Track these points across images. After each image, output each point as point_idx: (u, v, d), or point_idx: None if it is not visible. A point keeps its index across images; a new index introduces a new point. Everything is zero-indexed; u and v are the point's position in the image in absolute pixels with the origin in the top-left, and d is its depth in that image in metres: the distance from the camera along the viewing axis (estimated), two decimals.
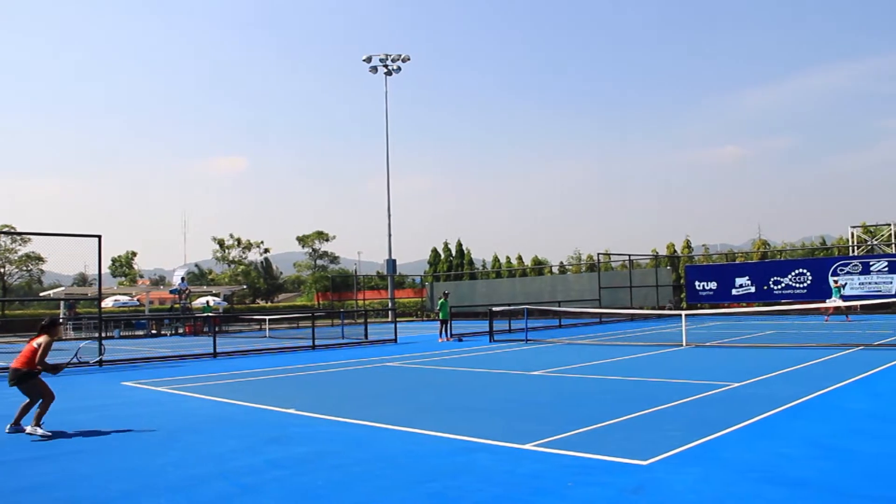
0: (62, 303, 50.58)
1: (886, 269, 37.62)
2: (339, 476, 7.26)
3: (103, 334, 24.93)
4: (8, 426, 10.38)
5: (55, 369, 10.98)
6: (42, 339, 10.46)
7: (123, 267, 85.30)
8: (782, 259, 46.06)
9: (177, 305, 49.26)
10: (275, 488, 6.87)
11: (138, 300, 55.22)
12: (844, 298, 34.16)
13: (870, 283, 37.82)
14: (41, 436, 9.88)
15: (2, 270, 69.15)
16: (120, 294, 55.53)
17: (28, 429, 10.07)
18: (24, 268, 70.19)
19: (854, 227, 44.50)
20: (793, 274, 40.93)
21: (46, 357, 10.42)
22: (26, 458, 8.66)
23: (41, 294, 57.32)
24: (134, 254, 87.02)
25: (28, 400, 10.38)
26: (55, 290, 54.26)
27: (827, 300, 33.68)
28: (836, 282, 34.99)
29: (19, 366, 10.24)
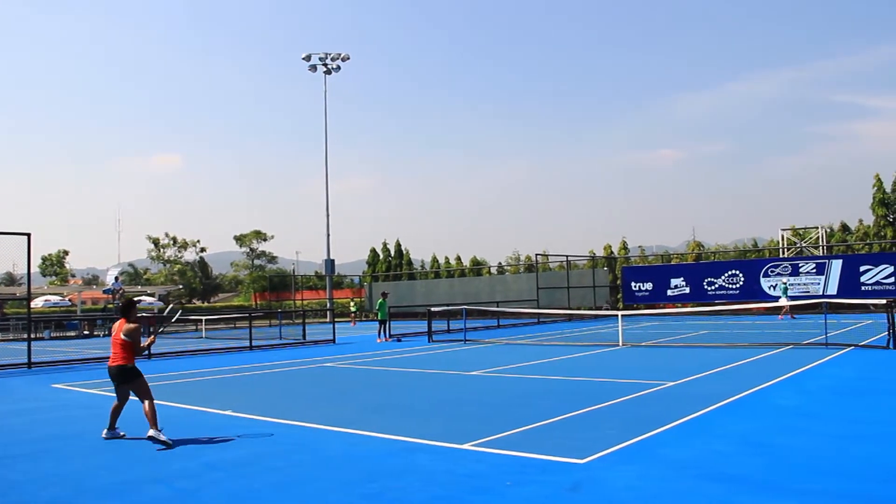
0: None
1: (814, 270, 38.67)
2: (277, 478, 7.19)
3: (33, 335, 24.28)
4: (105, 431, 9.55)
5: (144, 350, 10.33)
6: (130, 327, 9.56)
7: (54, 266, 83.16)
8: (716, 260, 47.00)
9: (110, 305, 48.24)
10: (212, 492, 6.77)
11: (70, 300, 53.93)
12: (777, 299, 35.10)
13: (799, 284, 38.81)
14: (164, 442, 8.91)
15: None
16: (51, 294, 54.19)
17: (152, 432, 9.06)
18: None
19: (784, 229, 45.61)
20: (726, 275, 41.81)
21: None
22: None
23: None
24: (66, 252, 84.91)
25: (121, 402, 9.61)
26: None
27: (780, 299, 34.60)
28: (784, 281, 36.14)
29: (123, 362, 9.46)
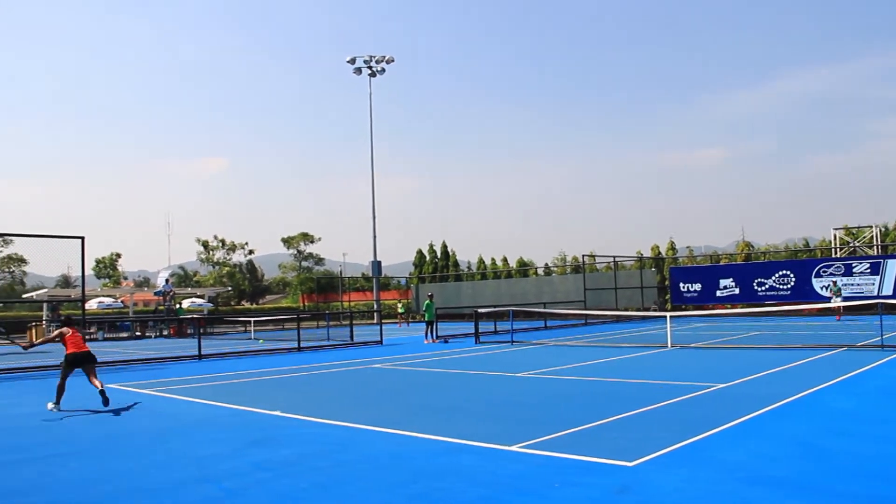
0: (45, 305, 50.19)
1: (869, 270, 37.87)
2: (322, 478, 7.22)
3: (87, 337, 24.75)
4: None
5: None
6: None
7: (107, 268, 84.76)
8: (766, 261, 46.28)
9: (161, 307, 48.99)
10: (258, 491, 6.83)
11: (122, 302, 54.84)
12: (830, 301, 34.54)
13: (853, 285, 38.05)
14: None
15: None
16: (104, 296, 55.12)
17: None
18: (7, 269, 69.79)
19: (837, 229, 44.77)
20: (776, 275, 41.14)
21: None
22: (8, 461, 8.58)
23: (24, 296, 56.91)
24: (118, 255, 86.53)
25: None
26: (38, 292, 53.87)
27: (833, 300, 34.11)
28: (834, 282, 35.59)
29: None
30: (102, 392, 12.41)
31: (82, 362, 12.99)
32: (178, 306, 49.54)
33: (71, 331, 13.31)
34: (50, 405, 12.70)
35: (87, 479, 7.57)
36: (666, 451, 7.83)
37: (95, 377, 12.89)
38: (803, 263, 41.19)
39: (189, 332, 42.34)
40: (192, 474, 7.59)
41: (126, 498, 6.81)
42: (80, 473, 7.81)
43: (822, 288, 39.06)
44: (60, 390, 12.78)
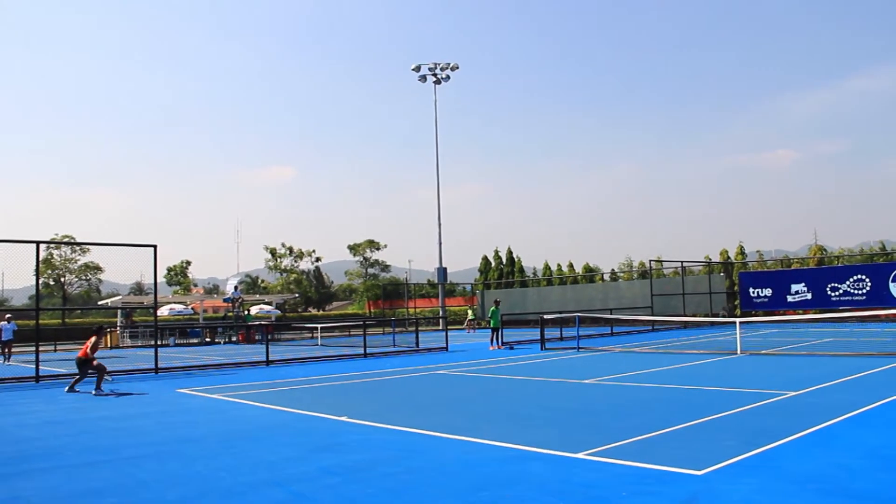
0: (119, 311, 51.55)
1: None
2: (391, 484, 7.27)
3: (159, 342, 25.33)
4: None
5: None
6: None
7: (178, 276, 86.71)
8: (840, 265, 45.13)
9: (230, 314, 49.86)
10: (327, 496, 6.90)
11: (192, 309, 56.01)
12: None
13: None
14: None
15: (62, 280, 70.79)
16: (175, 303, 56.33)
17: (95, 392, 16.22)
18: (83, 277, 71.84)
19: None
20: (851, 280, 40.08)
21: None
22: (85, 462, 8.83)
23: (99, 303, 58.52)
24: (188, 263, 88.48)
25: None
26: (113, 299, 55.40)
27: None
28: None
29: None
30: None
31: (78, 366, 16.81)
32: (246, 313, 50.38)
33: (94, 338, 16.97)
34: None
35: (161, 480, 7.75)
36: (735, 460, 7.70)
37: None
38: (880, 267, 40.06)
39: (257, 338, 42.99)
40: (260, 477, 7.72)
41: (197, 499, 6.94)
42: (154, 475, 7.99)
43: None
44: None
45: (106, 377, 17.34)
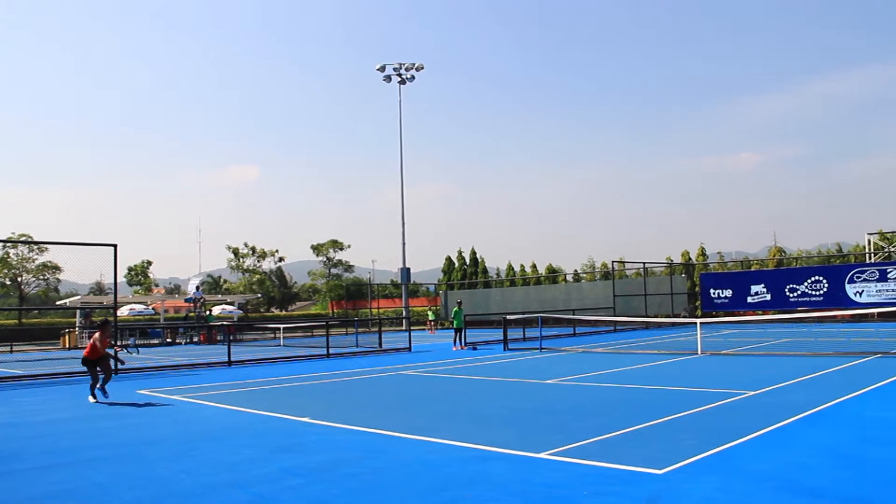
0: (78, 311, 50.81)
1: None
2: (353, 484, 7.25)
3: (119, 343, 25.00)
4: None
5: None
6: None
7: (139, 276, 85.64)
8: (798, 266, 45.79)
9: (192, 314, 49.38)
10: (289, 497, 6.86)
11: (153, 309, 55.36)
12: (863, 306, 34.08)
13: (887, 291, 37.56)
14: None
15: (19, 279, 69.63)
16: (135, 303, 55.63)
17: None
18: (41, 277, 70.68)
19: (871, 234, 44.22)
20: (809, 281, 40.70)
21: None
22: (43, 465, 8.69)
23: (58, 303, 57.65)
24: (149, 263, 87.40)
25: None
26: (72, 299, 54.54)
27: None
28: None
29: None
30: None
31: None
32: (208, 313, 49.92)
33: (98, 333, 15.02)
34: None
35: (120, 483, 7.65)
36: (695, 459, 7.78)
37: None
38: (836, 269, 40.74)
39: (219, 338, 42.64)
40: (222, 479, 7.65)
41: (157, 502, 6.87)
42: (113, 478, 7.89)
43: (855, 294, 38.61)
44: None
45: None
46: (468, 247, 68.41)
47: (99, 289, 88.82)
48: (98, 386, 14.83)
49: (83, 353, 15.16)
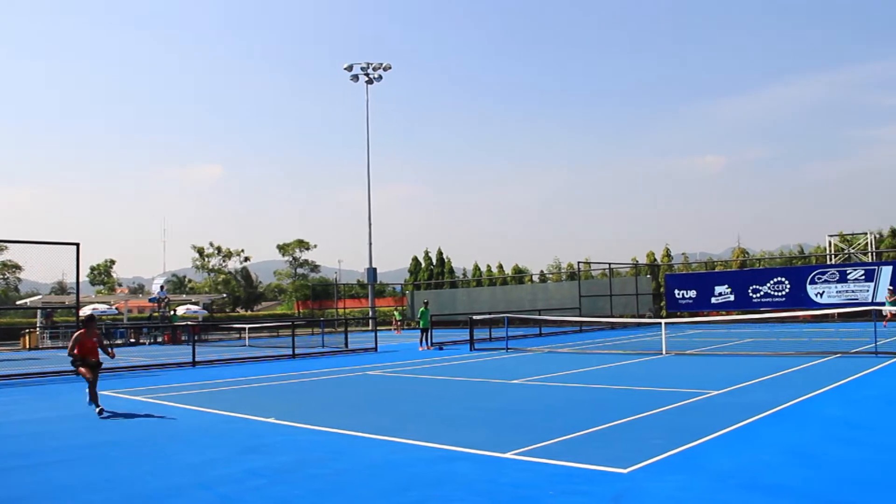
0: (39, 311, 50.09)
1: (863, 277, 37.96)
2: (318, 485, 7.22)
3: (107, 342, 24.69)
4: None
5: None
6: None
7: (102, 275, 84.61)
8: (761, 268, 46.35)
9: (156, 314, 48.88)
10: (253, 498, 6.82)
11: (117, 309, 54.71)
12: (824, 307, 34.59)
13: (847, 292, 38.14)
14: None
15: None
16: (98, 302, 54.93)
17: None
18: (1, 276, 69.56)
19: (831, 235, 44.90)
20: (771, 282, 41.20)
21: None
22: (5, 468, 8.57)
23: (18, 302, 56.77)
24: (112, 262, 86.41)
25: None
26: (32, 299, 53.74)
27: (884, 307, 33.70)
28: (889, 288, 35.37)
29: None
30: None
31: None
32: (172, 313, 49.45)
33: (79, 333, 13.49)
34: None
35: (84, 485, 7.56)
36: (660, 458, 7.84)
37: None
38: (798, 270, 41.31)
39: (183, 338, 42.25)
40: (187, 481, 7.58)
41: (122, 503, 6.81)
42: (78, 480, 7.80)
43: (816, 295, 39.14)
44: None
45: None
46: (435, 247, 68.50)
47: (61, 288, 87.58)
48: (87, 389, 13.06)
49: (73, 351, 13.28)
